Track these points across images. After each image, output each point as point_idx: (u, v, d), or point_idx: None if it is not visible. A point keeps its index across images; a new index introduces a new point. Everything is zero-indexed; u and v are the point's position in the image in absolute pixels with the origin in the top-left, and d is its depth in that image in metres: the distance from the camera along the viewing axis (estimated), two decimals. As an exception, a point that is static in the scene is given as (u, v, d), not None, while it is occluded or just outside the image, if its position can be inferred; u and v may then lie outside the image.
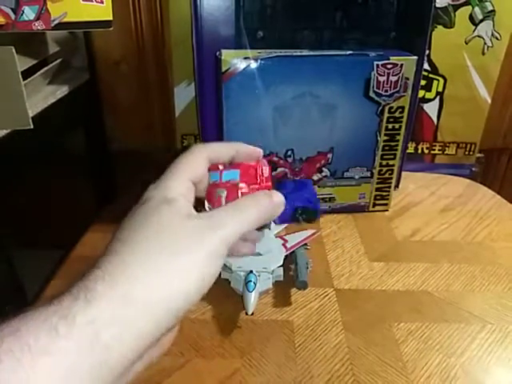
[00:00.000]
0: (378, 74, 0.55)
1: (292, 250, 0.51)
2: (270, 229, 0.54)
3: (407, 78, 0.56)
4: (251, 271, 0.46)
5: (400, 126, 0.59)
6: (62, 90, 0.65)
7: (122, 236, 0.24)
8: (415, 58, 0.55)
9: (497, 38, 0.70)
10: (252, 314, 0.43)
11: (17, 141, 0.53)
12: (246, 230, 0.26)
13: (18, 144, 0.53)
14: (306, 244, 0.53)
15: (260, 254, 0.49)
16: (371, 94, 0.56)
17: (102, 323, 0.20)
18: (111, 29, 0.56)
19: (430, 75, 0.73)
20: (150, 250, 0.23)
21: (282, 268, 0.49)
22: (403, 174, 0.71)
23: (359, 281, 0.51)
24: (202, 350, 0.42)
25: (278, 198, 0.28)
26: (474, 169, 0.80)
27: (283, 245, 0.51)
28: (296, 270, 0.48)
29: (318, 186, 0.62)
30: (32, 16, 0.45)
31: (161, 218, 0.24)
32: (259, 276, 0.46)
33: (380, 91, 0.56)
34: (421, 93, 0.73)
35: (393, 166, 0.62)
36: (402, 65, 0.55)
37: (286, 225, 0.56)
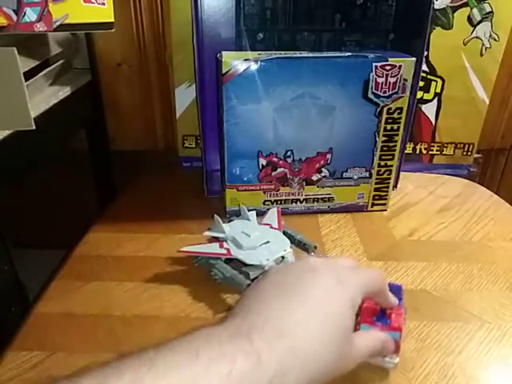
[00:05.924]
0: (377, 75, 0.55)
1: (283, 231, 0.53)
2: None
3: (405, 80, 0.56)
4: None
5: (398, 127, 0.59)
6: (63, 91, 0.66)
7: None
8: (413, 59, 0.56)
9: (495, 39, 0.70)
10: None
11: (19, 141, 0.53)
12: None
13: (19, 145, 0.54)
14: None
15: (268, 242, 0.50)
16: (370, 95, 0.56)
17: None
18: (113, 30, 0.56)
19: (429, 76, 0.73)
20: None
21: (291, 253, 0.50)
22: (401, 174, 0.71)
23: (358, 280, 0.51)
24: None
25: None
26: (471, 169, 0.81)
27: (272, 228, 0.53)
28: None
29: (317, 187, 0.63)
30: (34, 17, 0.45)
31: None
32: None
33: (378, 92, 0.56)
34: (419, 94, 0.73)
35: (391, 166, 0.62)
36: (400, 66, 0.55)
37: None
